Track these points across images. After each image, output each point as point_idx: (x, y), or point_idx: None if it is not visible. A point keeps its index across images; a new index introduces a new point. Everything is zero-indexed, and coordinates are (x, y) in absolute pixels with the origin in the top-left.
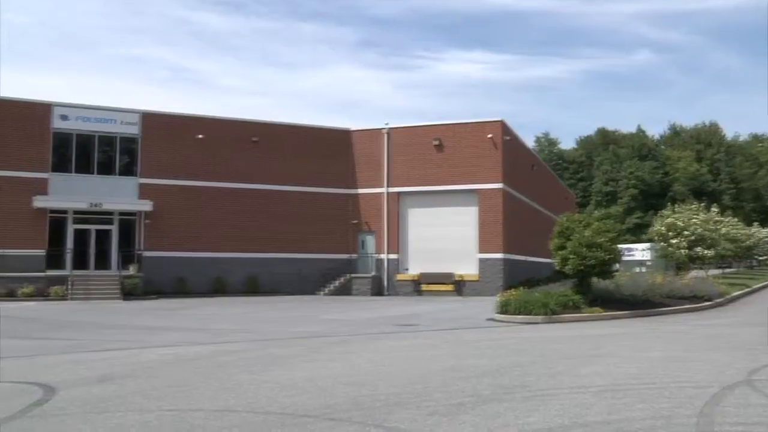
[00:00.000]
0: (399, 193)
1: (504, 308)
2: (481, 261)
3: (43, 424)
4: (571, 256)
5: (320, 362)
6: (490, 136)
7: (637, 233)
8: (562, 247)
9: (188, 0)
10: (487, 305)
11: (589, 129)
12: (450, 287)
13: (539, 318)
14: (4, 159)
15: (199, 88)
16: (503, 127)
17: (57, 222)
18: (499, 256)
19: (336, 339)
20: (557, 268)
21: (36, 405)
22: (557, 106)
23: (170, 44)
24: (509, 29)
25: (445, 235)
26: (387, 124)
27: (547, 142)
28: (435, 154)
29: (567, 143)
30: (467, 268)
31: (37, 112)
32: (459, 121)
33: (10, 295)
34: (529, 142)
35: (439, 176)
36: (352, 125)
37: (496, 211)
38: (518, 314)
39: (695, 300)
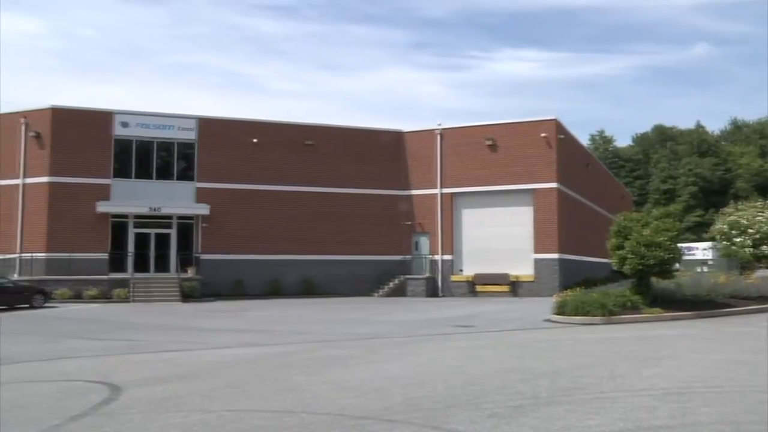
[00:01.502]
0: (453, 194)
1: (561, 309)
2: (537, 261)
3: (111, 422)
4: (629, 256)
5: (377, 363)
6: (544, 134)
7: (698, 232)
8: (620, 247)
9: (240, 6)
10: (543, 306)
11: (646, 126)
12: (505, 288)
13: (597, 319)
14: (69, 166)
15: (252, 93)
16: (557, 126)
17: (119, 226)
18: (555, 256)
19: (392, 340)
20: (615, 267)
21: (104, 403)
22: (612, 104)
23: (224, 50)
24: (560, 26)
25: (500, 236)
26: (440, 124)
27: (602, 140)
28: (488, 154)
29: (623, 141)
30: (522, 269)
31: (100, 120)
32: (512, 120)
33: (77, 297)
34: (584, 141)
35: (493, 176)
36: (405, 127)
37: (551, 210)
38: (575, 315)
39: (762, 300)
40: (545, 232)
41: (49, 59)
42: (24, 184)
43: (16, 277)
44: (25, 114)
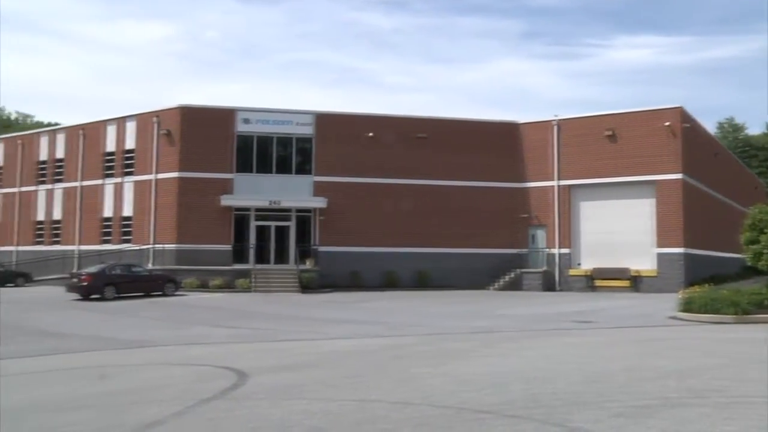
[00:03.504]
0: (570, 186)
1: (687, 306)
2: (659, 256)
3: (239, 407)
4: (765, 251)
5: (495, 357)
6: (667, 123)
7: None
8: (754, 241)
9: (353, 2)
10: (666, 303)
11: None
12: (625, 283)
13: (728, 318)
14: (196, 161)
15: (366, 87)
16: (682, 114)
17: (241, 219)
18: (679, 250)
19: (510, 334)
20: (749, 263)
21: (231, 389)
22: (742, 89)
23: (338, 46)
24: (681, 9)
25: (620, 229)
26: (556, 115)
27: (732, 128)
28: (607, 144)
29: (755, 128)
30: (643, 263)
31: (224, 117)
32: (633, 109)
33: (203, 287)
34: (711, 129)
35: (613, 168)
36: (520, 118)
37: (675, 202)
38: (704, 313)
39: None
40: (669, 225)
41: (175, 61)
42: (156, 180)
43: (149, 266)
44: (157, 113)
